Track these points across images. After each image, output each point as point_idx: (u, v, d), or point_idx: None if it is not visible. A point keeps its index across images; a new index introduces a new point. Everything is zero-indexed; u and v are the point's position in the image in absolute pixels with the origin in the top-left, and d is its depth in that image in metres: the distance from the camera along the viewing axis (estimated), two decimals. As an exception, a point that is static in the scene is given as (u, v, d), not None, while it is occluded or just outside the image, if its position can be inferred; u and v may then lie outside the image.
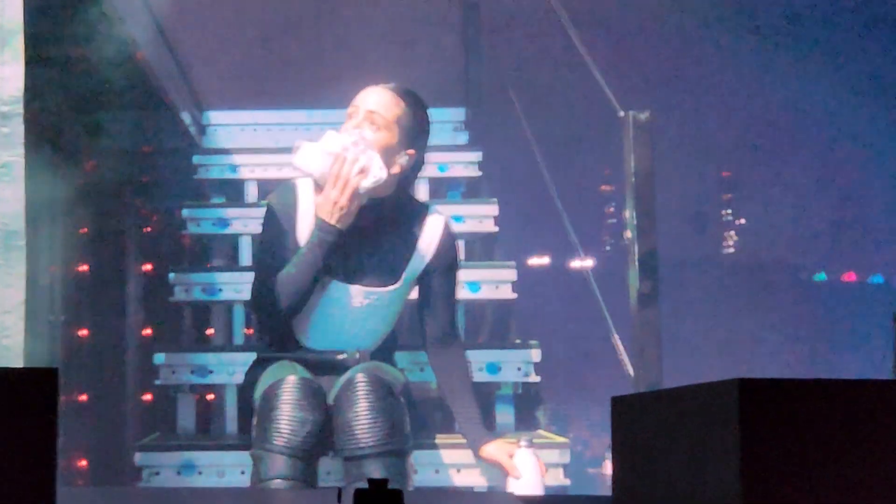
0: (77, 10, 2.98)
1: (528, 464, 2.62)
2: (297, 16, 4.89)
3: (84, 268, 3.82)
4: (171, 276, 3.59)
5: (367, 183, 2.60)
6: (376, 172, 2.61)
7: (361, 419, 2.50)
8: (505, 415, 3.47)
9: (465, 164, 4.44)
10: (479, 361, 3.39)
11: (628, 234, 2.54)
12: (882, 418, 0.97)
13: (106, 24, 3.05)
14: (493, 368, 3.39)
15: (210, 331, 3.69)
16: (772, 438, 0.93)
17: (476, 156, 4.43)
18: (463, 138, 4.64)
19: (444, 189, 4.56)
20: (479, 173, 4.40)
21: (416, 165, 2.89)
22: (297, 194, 2.82)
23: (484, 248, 4.34)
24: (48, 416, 1.01)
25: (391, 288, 2.82)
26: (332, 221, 2.63)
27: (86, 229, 3.83)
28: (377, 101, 2.74)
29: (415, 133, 2.79)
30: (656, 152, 2.53)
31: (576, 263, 3.75)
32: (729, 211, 9.10)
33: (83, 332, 3.87)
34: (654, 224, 2.47)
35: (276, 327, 2.82)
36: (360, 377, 2.60)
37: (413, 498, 1.20)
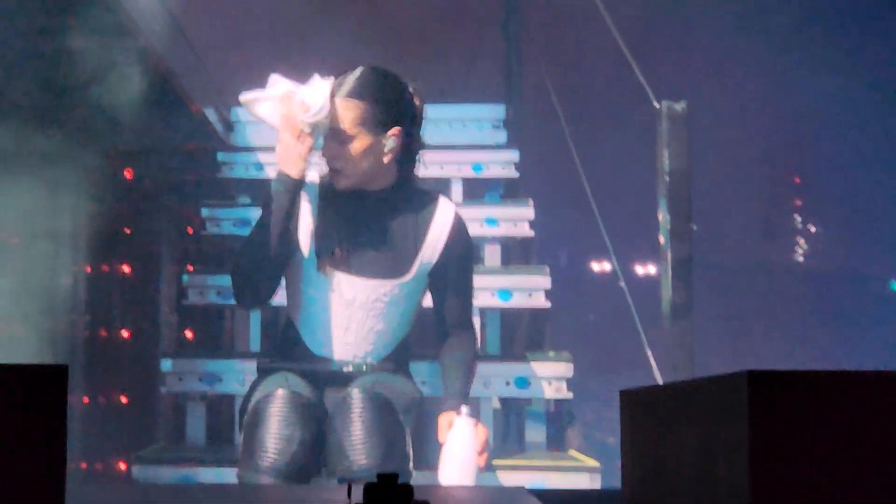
0: (93, 11, 2.92)
1: (462, 435, 2.46)
2: (332, 8, 4.70)
3: (104, 268, 3.69)
4: (185, 278, 3.43)
5: (308, 118, 2.45)
6: (317, 102, 2.45)
7: (354, 439, 2.28)
8: (536, 433, 3.22)
9: (502, 164, 4.19)
10: (506, 375, 3.16)
11: (661, 238, 2.28)
12: (894, 411, 0.95)
13: (120, 24, 2.99)
14: (523, 383, 3.14)
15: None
16: (781, 431, 0.92)
17: (513, 155, 4.18)
18: (501, 137, 4.39)
19: (480, 190, 4.33)
20: (517, 174, 4.15)
21: (410, 145, 2.66)
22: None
23: (521, 253, 4.10)
24: (57, 412, 1.02)
25: (401, 280, 2.62)
26: (287, 170, 2.48)
27: (104, 229, 3.69)
28: (333, 116, 2.55)
29: (386, 118, 2.56)
30: (713, 150, 2.26)
31: (612, 269, 3.46)
32: (799, 218, 8.70)
33: (103, 332, 3.77)
34: (690, 228, 2.20)
35: (250, 301, 2.75)
36: (357, 393, 2.39)
37: (424, 493, 1.17)
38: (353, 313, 2.59)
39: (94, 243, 3.74)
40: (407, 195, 2.68)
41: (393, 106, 2.58)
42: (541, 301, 3.48)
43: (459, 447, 2.44)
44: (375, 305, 2.60)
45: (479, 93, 4.61)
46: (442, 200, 2.72)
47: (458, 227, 2.69)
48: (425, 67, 4.86)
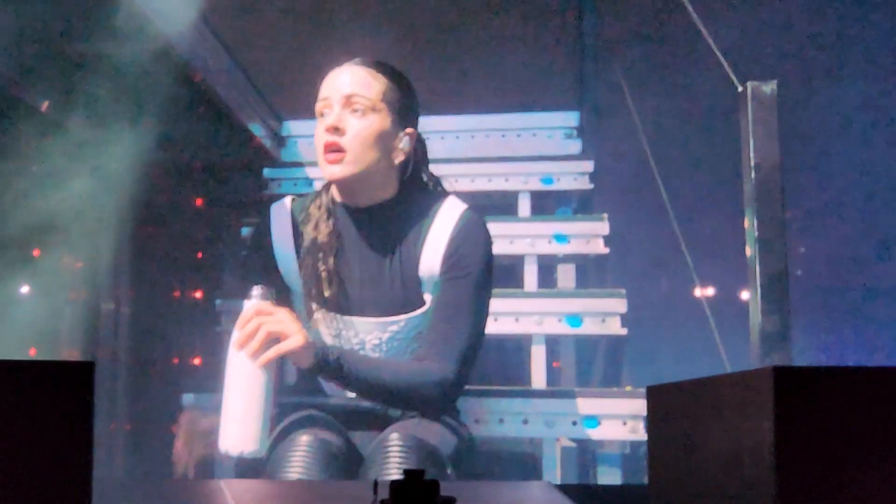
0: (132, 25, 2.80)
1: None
2: (389, 18, 4.39)
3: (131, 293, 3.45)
4: (217, 302, 3.13)
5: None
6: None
7: None
8: (611, 478, 2.79)
9: (574, 176, 3.78)
10: (573, 414, 2.74)
11: (748, 250, 1.85)
12: (923, 407, 0.92)
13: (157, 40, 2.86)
14: (593, 423, 2.72)
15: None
16: (808, 427, 0.91)
17: (587, 166, 3.77)
18: (575, 147, 3.98)
19: (551, 205, 3.93)
20: (591, 186, 3.73)
21: (421, 152, 2.26)
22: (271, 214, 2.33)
23: (597, 273, 3.68)
24: (84, 408, 1.00)
25: (415, 313, 2.18)
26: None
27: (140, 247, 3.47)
28: (352, 82, 2.14)
29: (408, 109, 2.19)
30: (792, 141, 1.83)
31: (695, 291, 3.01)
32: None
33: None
34: (784, 235, 1.76)
35: None
36: (395, 438, 2.00)
37: (450, 489, 1.13)
38: (367, 355, 2.21)
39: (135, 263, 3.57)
40: (412, 206, 2.21)
41: (412, 102, 2.23)
42: (615, 327, 3.05)
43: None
44: (391, 345, 2.20)
45: (549, 99, 4.21)
46: (448, 201, 2.23)
47: (465, 231, 2.15)
48: (488, 71, 4.51)
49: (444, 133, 3.97)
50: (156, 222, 3.63)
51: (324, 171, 2.15)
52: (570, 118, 4.08)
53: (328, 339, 2.22)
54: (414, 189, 2.24)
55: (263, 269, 2.25)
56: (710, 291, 3.01)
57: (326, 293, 2.16)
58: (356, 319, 2.18)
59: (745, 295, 2.00)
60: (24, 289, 3.31)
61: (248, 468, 2.38)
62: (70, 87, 3.12)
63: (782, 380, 0.91)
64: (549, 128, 4.06)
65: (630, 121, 3.71)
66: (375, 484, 1.10)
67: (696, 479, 1.11)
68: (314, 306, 2.20)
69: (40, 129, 3.24)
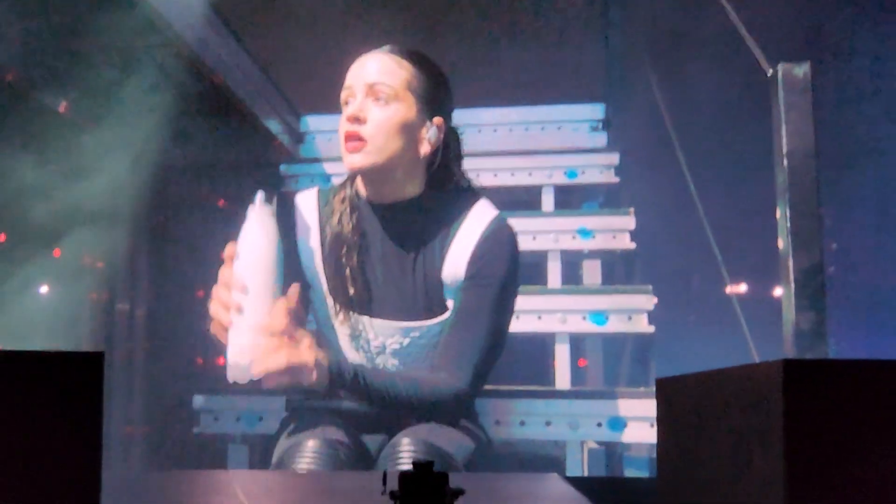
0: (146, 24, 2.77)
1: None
2: (409, 9, 4.30)
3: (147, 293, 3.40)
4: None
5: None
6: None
7: None
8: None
9: (600, 169, 3.67)
10: (597, 415, 2.63)
11: (780, 242, 1.74)
12: (933, 400, 0.91)
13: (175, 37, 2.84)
14: (618, 425, 2.61)
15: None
16: (817, 421, 0.90)
17: (613, 158, 3.65)
18: (601, 140, 3.86)
19: (576, 200, 3.82)
20: (617, 179, 3.62)
21: (451, 145, 2.12)
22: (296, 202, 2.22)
23: (624, 270, 3.57)
24: (94, 399, 1.00)
25: (437, 320, 2.08)
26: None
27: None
28: (376, 70, 2.04)
29: (435, 98, 2.07)
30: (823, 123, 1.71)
31: (725, 287, 2.89)
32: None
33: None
34: (819, 227, 1.65)
35: None
36: (406, 444, 1.91)
37: (459, 481, 1.12)
38: (385, 360, 2.12)
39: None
40: (440, 205, 2.09)
41: (442, 92, 2.10)
42: (642, 325, 2.94)
43: None
44: (411, 350, 2.10)
45: (574, 91, 4.09)
46: (479, 205, 2.10)
47: (493, 238, 2.04)
48: (511, 63, 4.40)
49: (465, 127, 3.86)
50: (171, 220, 3.58)
51: (345, 162, 2.04)
52: (596, 110, 3.96)
53: (346, 340, 2.13)
54: (443, 186, 2.11)
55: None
56: (741, 287, 2.89)
57: (351, 291, 2.06)
58: (377, 321, 2.08)
59: (778, 291, 1.88)
60: (42, 288, 3.28)
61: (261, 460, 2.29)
62: (85, 85, 3.10)
63: (792, 373, 0.90)
64: (573, 120, 3.94)
65: (657, 111, 3.58)
66: (384, 475, 1.08)
67: (705, 471, 1.10)
68: (335, 304, 2.10)
69: (57, 127, 3.22)
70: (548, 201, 3.62)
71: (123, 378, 3.34)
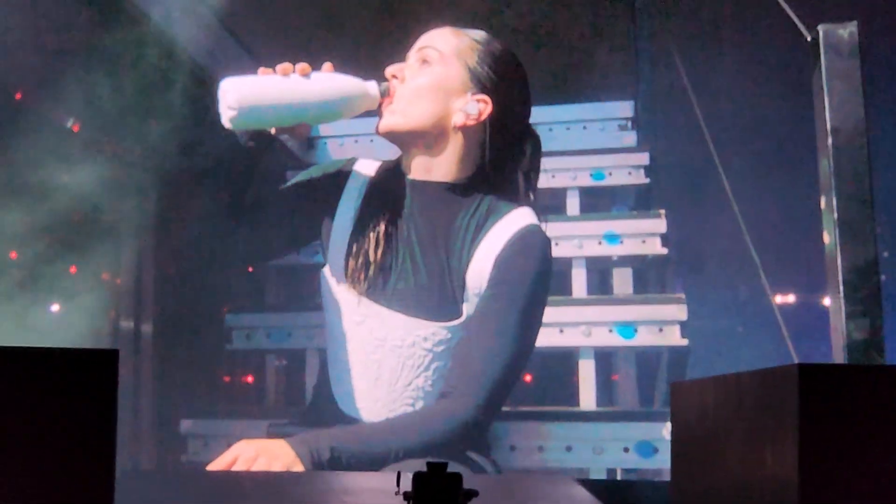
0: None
1: None
2: (426, 7, 4.07)
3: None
4: (228, 318, 2.86)
5: None
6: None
7: None
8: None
9: (629, 170, 3.40)
10: (625, 439, 2.37)
11: (826, 237, 1.47)
12: (947, 405, 0.88)
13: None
14: (647, 449, 2.35)
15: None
16: (831, 425, 0.90)
17: (643, 158, 3.38)
18: (630, 138, 3.59)
19: (605, 203, 3.55)
20: (647, 180, 3.34)
21: (503, 129, 1.95)
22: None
23: (657, 277, 3.29)
24: (108, 395, 1.02)
25: (448, 324, 1.89)
26: None
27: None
28: (430, 36, 1.97)
29: (489, 74, 1.93)
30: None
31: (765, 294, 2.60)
32: None
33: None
34: (871, 216, 1.38)
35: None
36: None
37: (473, 482, 1.11)
38: (383, 358, 1.92)
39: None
40: (478, 199, 1.94)
41: (501, 70, 1.97)
42: (674, 338, 2.67)
43: None
44: (413, 352, 1.89)
45: (600, 89, 3.83)
46: (520, 210, 1.96)
47: (523, 243, 1.90)
48: (530, 59, 4.14)
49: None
50: (175, 231, 3.43)
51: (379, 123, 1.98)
52: (625, 108, 3.70)
53: (350, 325, 1.95)
54: (493, 180, 1.96)
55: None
56: (785, 294, 2.60)
57: (369, 272, 1.92)
58: (384, 310, 1.92)
59: (826, 298, 1.61)
60: (51, 305, 3.17)
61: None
62: (87, 96, 3.04)
63: (808, 377, 0.90)
64: (600, 119, 3.68)
65: (689, 107, 3.31)
66: (398, 476, 1.07)
67: (719, 474, 1.08)
68: (344, 280, 1.97)
69: (62, 141, 3.13)
70: (573, 205, 3.35)
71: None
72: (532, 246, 1.91)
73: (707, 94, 3.17)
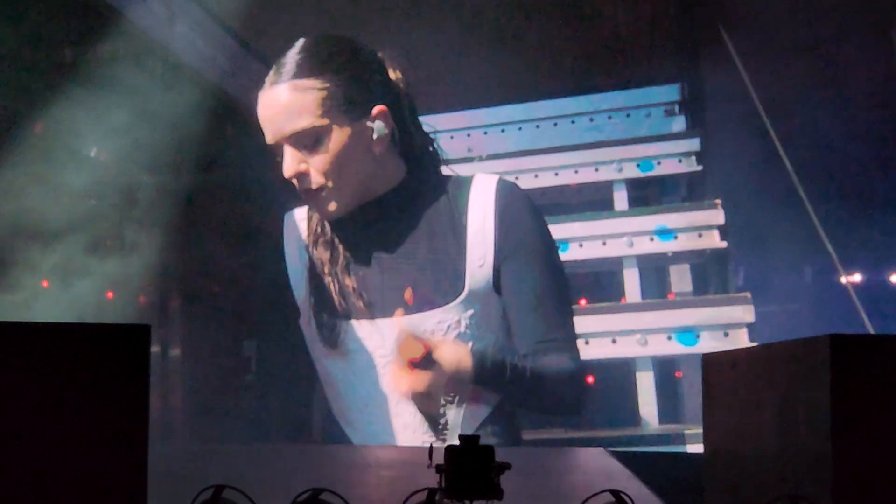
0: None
1: None
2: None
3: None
4: (245, 345, 2.67)
5: None
6: None
7: None
8: None
9: (679, 157, 3.14)
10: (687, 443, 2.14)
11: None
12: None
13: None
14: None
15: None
16: (864, 394, 0.90)
17: (693, 144, 3.13)
18: (678, 124, 3.34)
19: (655, 195, 3.30)
20: (699, 167, 3.09)
21: (407, 129, 1.97)
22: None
23: (718, 272, 3.03)
24: (141, 370, 1.05)
25: (450, 304, 1.88)
26: None
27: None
28: (286, 114, 1.94)
29: (358, 88, 1.92)
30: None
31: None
32: None
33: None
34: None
35: None
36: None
37: (505, 454, 1.10)
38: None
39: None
40: (426, 188, 1.94)
41: (364, 78, 1.94)
42: (741, 340, 2.42)
43: None
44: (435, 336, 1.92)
45: (643, 74, 3.57)
46: (478, 178, 1.97)
47: (509, 200, 1.94)
48: (568, 46, 3.89)
49: (521, 123, 3.41)
50: (205, 242, 3.32)
51: (320, 214, 2.01)
52: (671, 92, 3.44)
53: (354, 347, 1.96)
54: (425, 167, 2.02)
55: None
56: (856, 278, 2.34)
57: (350, 301, 1.96)
58: (381, 322, 1.94)
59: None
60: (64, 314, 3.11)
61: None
62: (106, 115, 3.00)
63: (839, 348, 0.90)
64: (645, 105, 3.43)
65: (741, 86, 3.04)
66: (430, 448, 1.06)
67: (750, 443, 1.07)
68: (336, 318, 1.99)
69: (87, 169, 3.08)
70: (620, 199, 3.12)
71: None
72: (523, 203, 2.03)
73: (764, 81, 2.89)
